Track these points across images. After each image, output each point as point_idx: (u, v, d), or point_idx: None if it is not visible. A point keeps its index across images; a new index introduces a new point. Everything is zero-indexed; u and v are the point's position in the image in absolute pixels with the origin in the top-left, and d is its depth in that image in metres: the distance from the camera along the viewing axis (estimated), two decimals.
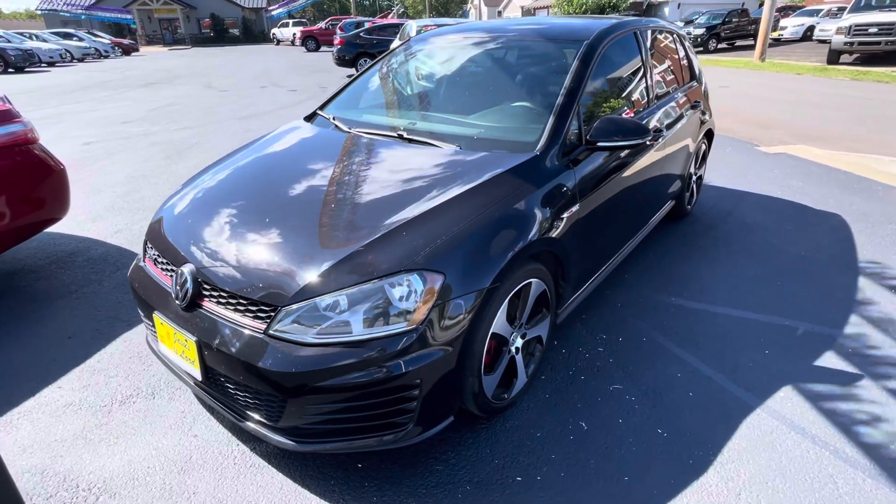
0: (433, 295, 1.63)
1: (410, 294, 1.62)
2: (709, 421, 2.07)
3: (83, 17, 40.19)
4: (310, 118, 2.92)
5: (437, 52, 3.09)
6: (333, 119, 2.76)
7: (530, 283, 2.01)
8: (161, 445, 1.99)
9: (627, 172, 2.61)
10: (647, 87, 2.95)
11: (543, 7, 37.59)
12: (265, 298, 1.64)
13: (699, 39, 21.26)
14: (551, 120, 2.23)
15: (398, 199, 1.92)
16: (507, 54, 2.81)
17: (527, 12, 45.09)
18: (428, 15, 58.72)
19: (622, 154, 2.54)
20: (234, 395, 1.75)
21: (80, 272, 3.35)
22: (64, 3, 40.35)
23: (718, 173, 5.24)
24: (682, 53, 3.64)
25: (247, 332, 1.64)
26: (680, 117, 3.31)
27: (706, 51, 21.45)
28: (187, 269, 1.82)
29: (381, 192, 1.98)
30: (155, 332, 1.94)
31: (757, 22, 19.98)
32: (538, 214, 1.99)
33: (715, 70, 14.84)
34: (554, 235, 2.05)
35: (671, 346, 2.55)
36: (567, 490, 1.78)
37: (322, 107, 3.00)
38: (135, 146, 6.75)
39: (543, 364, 2.42)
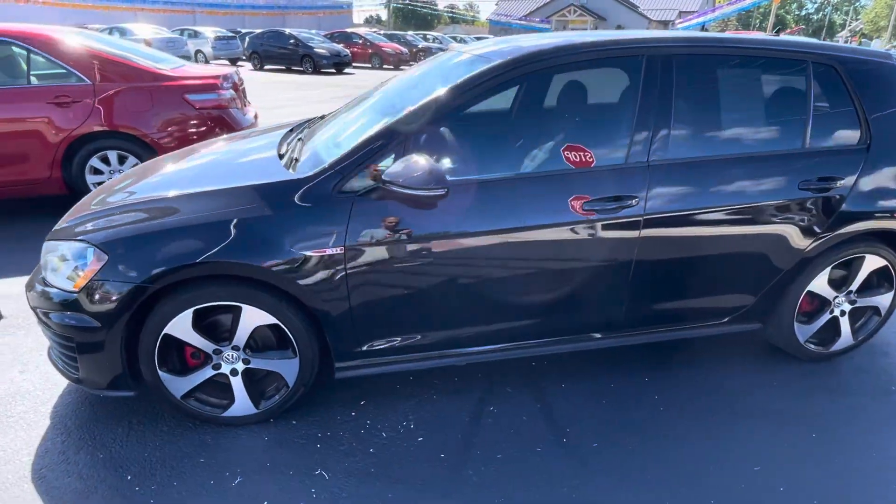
0: (93, 271, 1.81)
1: (82, 262, 1.85)
2: None
3: (514, 25, 48.25)
4: None
5: (415, 67, 2.84)
6: None
7: (240, 308, 1.88)
8: None
9: (510, 239, 1.94)
10: (630, 137, 2.00)
11: None
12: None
13: None
14: (346, 148, 1.91)
15: (182, 184, 2.09)
16: (443, 74, 2.37)
17: None
18: (890, 32, 45.72)
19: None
20: None
21: None
22: (504, 16, 49.38)
23: None
24: (819, 95, 2.17)
25: None
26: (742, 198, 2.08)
27: None
28: None
29: (187, 179, 2.19)
30: None
31: None
32: (261, 238, 1.82)
33: None
34: (280, 269, 1.82)
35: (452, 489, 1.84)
36: None
37: None
38: None
39: (317, 412, 2.15)
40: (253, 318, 1.91)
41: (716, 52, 2.13)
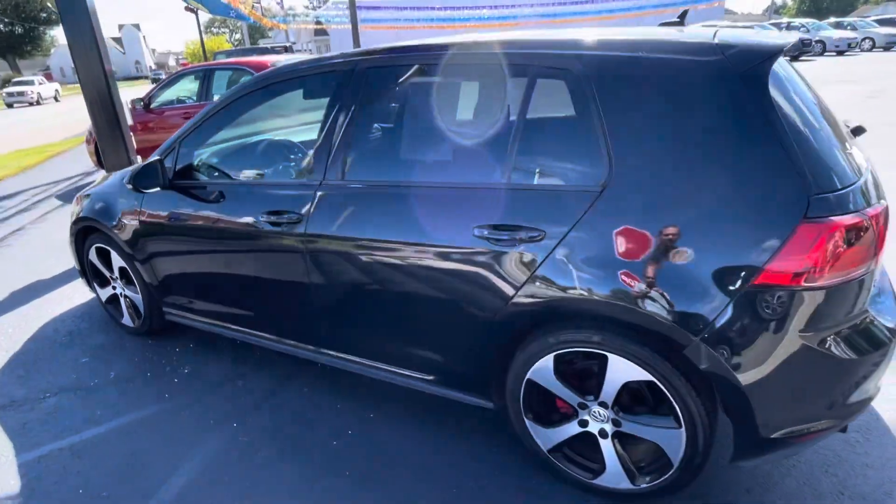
0: (75, 212, 3.07)
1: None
2: None
3: None
4: None
5: None
6: None
7: (110, 251, 2.83)
8: None
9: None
10: (314, 156, 1.95)
11: None
12: None
13: None
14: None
15: None
16: None
17: None
18: None
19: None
20: None
21: None
22: None
23: None
24: (549, 113, 1.47)
25: None
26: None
27: None
28: None
29: None
30: None
31: None
32: (106, 206, 2.72)
33: None
34: (111, 225, 2.68)
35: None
36: None
37: None
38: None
39: (171, 342, 2.92)
40: (118, 259, 2.84)
41: (408, 62, 1.78)
